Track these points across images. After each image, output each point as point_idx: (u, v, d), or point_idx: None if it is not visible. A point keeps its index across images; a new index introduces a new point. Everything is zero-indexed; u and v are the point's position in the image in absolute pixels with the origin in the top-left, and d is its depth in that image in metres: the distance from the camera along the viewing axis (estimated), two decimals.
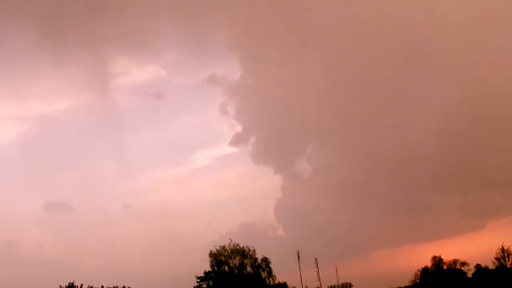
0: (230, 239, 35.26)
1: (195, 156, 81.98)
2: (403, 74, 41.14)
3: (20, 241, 56.87)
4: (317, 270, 38.92)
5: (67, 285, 29.26)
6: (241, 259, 34.58)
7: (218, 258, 34.41)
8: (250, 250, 34.38)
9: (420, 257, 49.76)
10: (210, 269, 34.80)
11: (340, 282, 47.03)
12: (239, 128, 69.70)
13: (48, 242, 54.15)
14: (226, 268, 34.50)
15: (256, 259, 34.99)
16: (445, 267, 41.18)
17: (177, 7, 51.34)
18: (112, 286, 32.35)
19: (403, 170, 44.70)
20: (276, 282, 35.53)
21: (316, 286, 40.47)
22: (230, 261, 34.55)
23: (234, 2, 45.50)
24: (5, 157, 66.61)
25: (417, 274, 42.20)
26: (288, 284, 39.26)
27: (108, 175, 67.07)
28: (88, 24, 51.38)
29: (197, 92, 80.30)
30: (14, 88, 60.14)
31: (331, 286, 46.75)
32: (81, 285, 29.50)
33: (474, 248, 47.92)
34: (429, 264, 42.01)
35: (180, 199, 67.56)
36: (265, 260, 34.87)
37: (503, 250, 38.40)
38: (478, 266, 40.76)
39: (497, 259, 38.78)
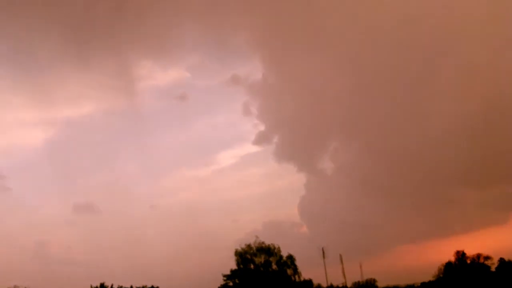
0: (256, 236, 35.76)
1: (219, 156, 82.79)
2: (424, 70, 41.41)
3: (50, 242, 58.11)
4: (341, 266, 39.28)
5: (98, 285, 30.00)
6: (266, 257, 34.96)
7: (243, 256, 34.83)
8: (275, 248, 34.55)
9: (444, 252, 50.02)
10: (236, 268, 35.45)
11: (365, 278, 47.40)
12: (262, 127, 70.32)
13: (77, 243, 55.27)
14: (252, 266, 35.03)
15: (281, 257, 35.35)
16: (468, 262, 41.40)
17: (199, 10, 52.16)
18: (141, 286, 33.07)
19: (425, 166, 44.92)
20: (302, 279, 35.94)
21: (341, 282, 40.88)
22: (256, 259, 34.98)
23: (256, 2, 46.14)
24: (34, 161, 68.07)
25: (441, 269, 42.44)
26: (313, 281, 39.71)
27: (134, 177, 68.18)
28: (113, 29, 52.34)
29: (220, 93, 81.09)
30: (42, 93, 61.36)
31: (355, 282, 47.16)
32: (111, 285, 30.27)
33: (497, 242, 47.94)
34: (452, 258, 42.32)
35: (205, 199, 68.33)
36: (290, 257, 35.09)
37: None
38: (501, 260, 40.99)
39: None
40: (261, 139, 62.97)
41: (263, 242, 35.68)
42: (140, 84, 72.23)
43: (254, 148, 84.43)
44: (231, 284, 35.63)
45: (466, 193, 49.25)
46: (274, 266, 35.34)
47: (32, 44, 47.81)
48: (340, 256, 39.30)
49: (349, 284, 42.44)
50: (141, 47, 62.73)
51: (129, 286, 32.69)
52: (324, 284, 40.31)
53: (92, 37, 48.84)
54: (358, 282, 47.45)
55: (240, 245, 34.59)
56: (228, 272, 35.66)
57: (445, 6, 37.36)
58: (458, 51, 38.61)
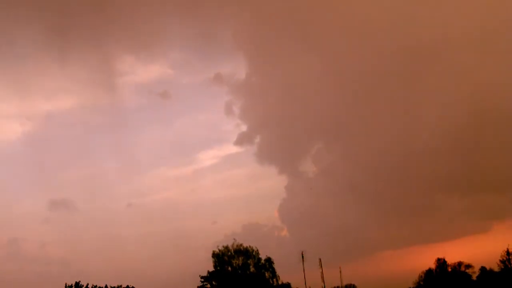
0: (234, 239, 35.26)
1: (200, 156, 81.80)
2: (408, 74, 41.10)
3: (24, 240, 56.86)
4: (321, 271, 38.80)
5: (73, 284, 29.25)
6: (244, 259, 34.52)
7: (221, 258, 34.34)
8: (253, 250, 34.61)
9: (425, 259, 49.66)
10: (214, 269, 34.89)
11: (344, 283, 46.87)
12: (244, 128, 69.67)
13: (52, 240, 54.15)
14: (229, 268, 34.51)
15: (259, 259, 34.88)
16: (449, 269, 41.12)
17: (183, 6, 51.39)
18: (116, 285, 32.35)
19: (409, 171, 44.66)
20: (280, 282, 35.47)
21: (320, 287, 40.39)
22: (233, 261, 34.48)
23: (241, 1, 45.46)
24: (10, 155, 66.63)
25: (421, 276, 42.14)
26: (292, 285, 39.13)
27: (112, 174, 67.06)
28: (95, 22, 51.40)
29: (203, 91, 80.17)
30: (20, 86, 60.14)
31: (335, 287, 46.63)
32: (87, 284, 29.51)
33: (479, 251, 47.76)
34: (433, 266, 42.03)
35: (185, 199, 67.53)
36: (269, 260, 34.88)
37: (508, 252, 38.22)
38: (482, 269, 40.72)
39: (502, 261, 38.58)
40: (242, 140, 62.37)
41: (241, 244, 35.25)
42: (121, 80, 71.23)
43: (236, 149, 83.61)
44: (208, 286, 35.04)
45: (449, 200, 49.15)
46: (252, 269, 34.83)
47: (12, 33, 46.73)
48: (320, 260, 38.83)
49: None
50: (123, 42, 61.90)
51: (104, 285, 32.00)
52: None
53: (73, 29, 47.93)
54: (338, 287, 47.00)
55: (217, 247, 34.67)
56: (206, 274, 35.27)
57: (432, 12, 37.01)
58: (444, 57, 38.31)
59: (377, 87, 42.50)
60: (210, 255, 34.93)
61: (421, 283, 41.44)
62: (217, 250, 33.87)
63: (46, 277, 42.77)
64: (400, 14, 38.43)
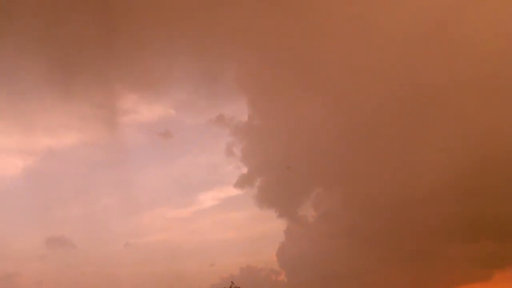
0: (232, 282, 34.96)
1: (200, 197, 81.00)
2: (411, 117, 41.00)
3: (19, 275, 56.22)
4: None
5: None
6: None
7: None
8: None
9: None
10: None
11: None
12: (244, 170, 69.30)
13: (48, 278, 53.44)
14: None
15: None
16: None
17: (187, 47, 51.69)
18: None
19: (410, 216, 44.25)
20: None
21: None
22: None
23: (244, 43, 45.84)
24: (11, 190, 66.24)
25: None
26: None
27: (111, 212, 66.42)
28: (99, 60, 51.64)
29: (204, 132, 79.79)
30: (23, 121, 60.07)
31: None
32: None
33: None
34: None
35: (183, 240, 66.77)
36: None
37: None
38: None
39: None
40: (243, 182, 61.95)
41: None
42: (124, 118, 71.21)
43: (236, 191, 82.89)
44: None
45: (450, 247, 48.61)
46: None
47: (16, 67, 46.98)
48: None
49: None
50: (127, 80, 61.98)
51: None
52: None
53: (77, 65, 48.16)
54: None
55: None
56: None
57: (438, 53, 37.12)
58: (450, 100, 38.30)
59: (379, 130, 42.49)
60: None
61: None
62: None
63: None
64: (405, 56, 38.44)
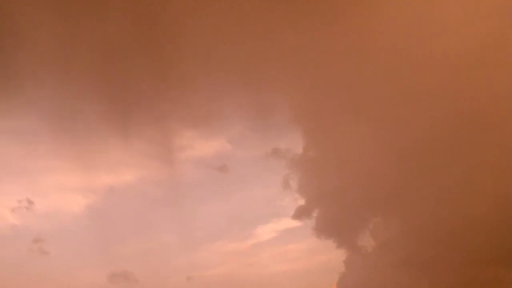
0: None
1: (257, 230, 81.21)
2: (465, 141, 40.56)
3: None
4: None
5: None
6: None
7: None
8: None
9: None
10: None
11: None
12: (302, 202, 69.23)
13: None
14: None
15: None
16: None
17: (241, 82, 52.56)
18: None
19: (469, 242, 43.55)
20: None
21: None
22: None
23: (297, 75, 46.49)
24: (73, 226, 67.72)
25: None
26: None
27: (171, 247, 67.19)
28: (154, 97, 52.80)
29: (260, 166, 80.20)
30: (84, 160, 61.62)
31: None
32: None
33: None
34: None
35: (243, 273, 66.90)
36: None
37: None
38: None
39: None
40: (300, 214, 61.88)
41: None
42: (180, 154, 72.33)
43: (294, 223, 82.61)
44: None
45: (507, 275, 47.68)
46: None
47: (77, 105, 48.51)
48: None
49: None
50: (182, 117, 63.08)
51: None
52: None
53: (134, 104, 49.49)
54: None
55: None
56: None
57: (490, 78, 36.96)
58: (502, 125, 37.85)
59: (432, 156, 42.22)
60: None
61: None
62: None
63: None
64: (453, 81, 38.32)
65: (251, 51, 42.72)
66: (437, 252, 41.48)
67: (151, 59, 42.98)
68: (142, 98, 49.43)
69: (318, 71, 45.06)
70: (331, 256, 57.20)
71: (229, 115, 61.37)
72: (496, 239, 39.66)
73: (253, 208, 75.28)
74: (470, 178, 38.50)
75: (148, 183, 65.32)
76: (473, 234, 38.80)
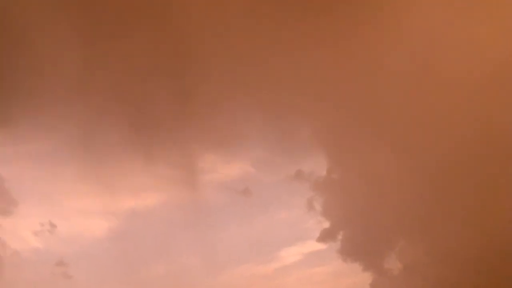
0: None
1: (282, 253, 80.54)
2: (491, 163, 40.16)
3: None
4: None
5: None
6: None
7: None
8: None
9: None
10: None
11: None
12: (326, 224, 68.67)
13: None
14: None
15: None
16: None
17: (263, 104, 52.56)
18: None
19: (497, 264, 43.05)
20: None
21: None
22: None
23: (320, 97, 46.42)
24: (96, 250, 67.61)
25: None
26: None
27: (195, 271, 66.78)
28: (176, 120, 52.84)
29: (284, 189, 79.62)
30: (106, 183, 61.57)
31: None
32: None
33: None
34: None
35: None
36: None
37: None
38: None
39: None
40: (325, 236, 61.22)
41: None
42: (203, 177, 72.18)
43: (318, 246, 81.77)
44: None
45: None
46: None
47: (96, 135, 48.75)
48: None
49: None
50: (205, 141, 63.04)
51: None
52: None
53: (156, 127, 49.62)
54: None
55: None
56: None
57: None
58: None
59: (459, 178, 41.69)
60: None
61: None
62: None
63: None
64: (481, 102, 37.97)
65: (274, 74, 42.68)
66: (465, 276, 40.87)
67: (174, 82, 43.09)
68: (165, 121, 49.52)
69: (342, 92, 44.92)
70: (356, 279, 56.47)
71: (252, 138, 61.22)
72: None
73: (277, 231, 74.66)
74: (499, 200, 37.98)
75: (170, 206, 65.02)
76: (503, 258, 38.19)
